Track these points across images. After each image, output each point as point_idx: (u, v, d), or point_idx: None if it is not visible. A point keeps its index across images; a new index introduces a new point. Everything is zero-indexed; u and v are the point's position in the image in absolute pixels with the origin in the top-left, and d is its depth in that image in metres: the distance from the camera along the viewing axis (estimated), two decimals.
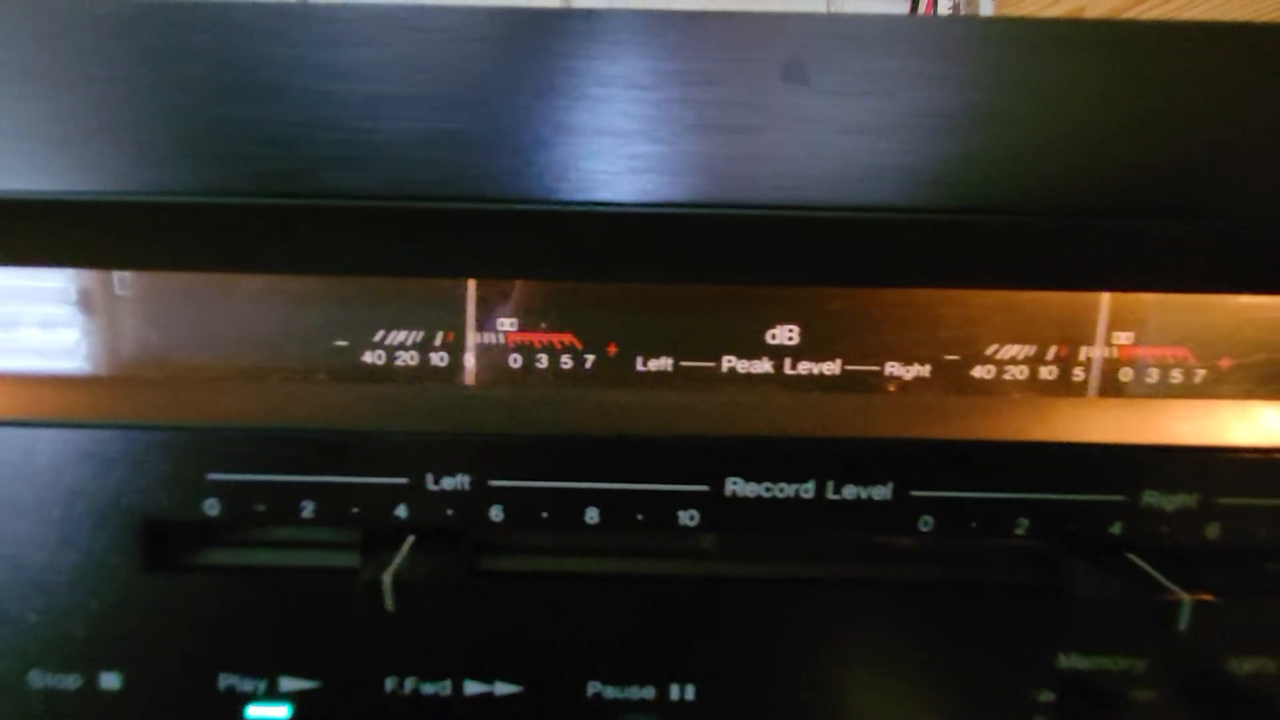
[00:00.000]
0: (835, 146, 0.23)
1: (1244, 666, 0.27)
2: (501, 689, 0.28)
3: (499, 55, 0.23)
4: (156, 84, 0.23)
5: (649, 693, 0.27)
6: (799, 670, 0.27)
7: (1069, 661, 0.27)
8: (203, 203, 0.23)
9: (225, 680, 0.27)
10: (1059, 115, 0.23)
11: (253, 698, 0.27)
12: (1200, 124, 0.23)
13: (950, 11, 1.19)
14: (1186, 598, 0.23)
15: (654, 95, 0.23)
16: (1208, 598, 0.23)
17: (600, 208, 0.23)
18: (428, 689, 0.27)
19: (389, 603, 0.24)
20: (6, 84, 0.22)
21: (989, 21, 0.24)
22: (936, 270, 0.27)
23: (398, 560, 0.24)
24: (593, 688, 0.27)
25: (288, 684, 0.27)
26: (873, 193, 0.23)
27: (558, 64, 0.23)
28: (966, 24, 0.24)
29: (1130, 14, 0.84)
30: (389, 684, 0.27)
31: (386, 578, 0.24)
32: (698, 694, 0.27)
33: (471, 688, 0.28)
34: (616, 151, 0.23)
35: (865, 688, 0.27)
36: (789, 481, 0.25)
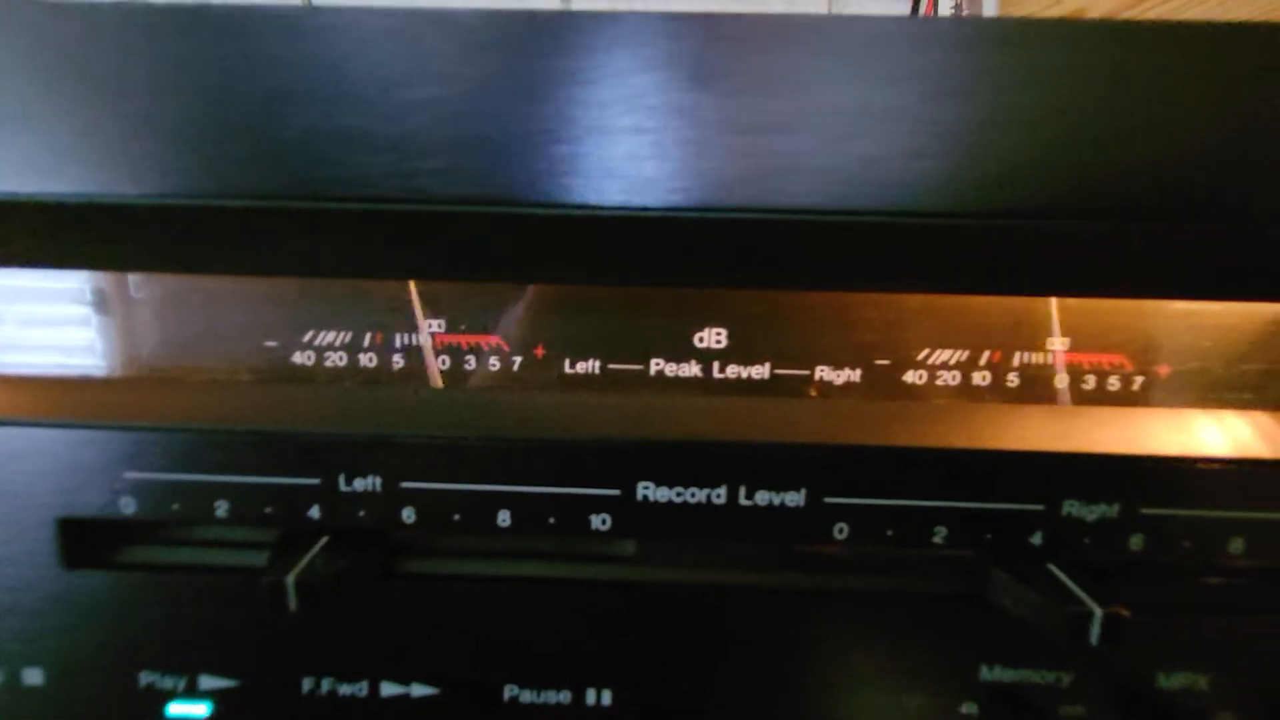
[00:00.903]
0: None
1: (1173, 682, 0.27)
2: (419, 691, 0.27)
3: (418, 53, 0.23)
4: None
5: (565, 697, 0.27)
6: (714, 677, 0.27)
7: (992, 674, 0.27)
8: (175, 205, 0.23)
9: (146, 678, 0.27)
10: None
11: (173, 695, 0.28)
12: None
13: (953, 11, 1.18)
14: (1097, 610, 0.23)
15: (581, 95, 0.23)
16: (1121, 611, 0.23)
17: (533, 210, 0.23)
18: (345, 690, 0.27)
19: (293, 604, 0.24)
20: None
21: (959, 23, 0.23)
22: (877, 274, 0.27)
23: (304, 561, 0.24)
24: (509, 691, 0.27)
25: (207, 682, 0.28)
26: (800, 195, 0.23)
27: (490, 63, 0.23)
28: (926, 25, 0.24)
29: (1131, 13, 0.82)
30: (306, 684, 0.27)
31: (290, 579, 0.24)
32: (614, 699, 0.27)
33: (389, 689, 0.27)
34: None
35: (782, 697, 0.27)
36: (700, 486, 0.25)
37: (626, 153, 0.23)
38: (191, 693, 0.28)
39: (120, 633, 0.27)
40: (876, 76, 0.22)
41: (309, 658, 0.27)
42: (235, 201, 0.23)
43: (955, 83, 0.22)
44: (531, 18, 0.23)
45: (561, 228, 0.23)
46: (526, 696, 0.27)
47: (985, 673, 0.27)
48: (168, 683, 0.28)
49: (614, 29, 0.22)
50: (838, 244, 0.24)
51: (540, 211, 0.23)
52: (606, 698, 0.27)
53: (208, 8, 0.23)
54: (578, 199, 0.23)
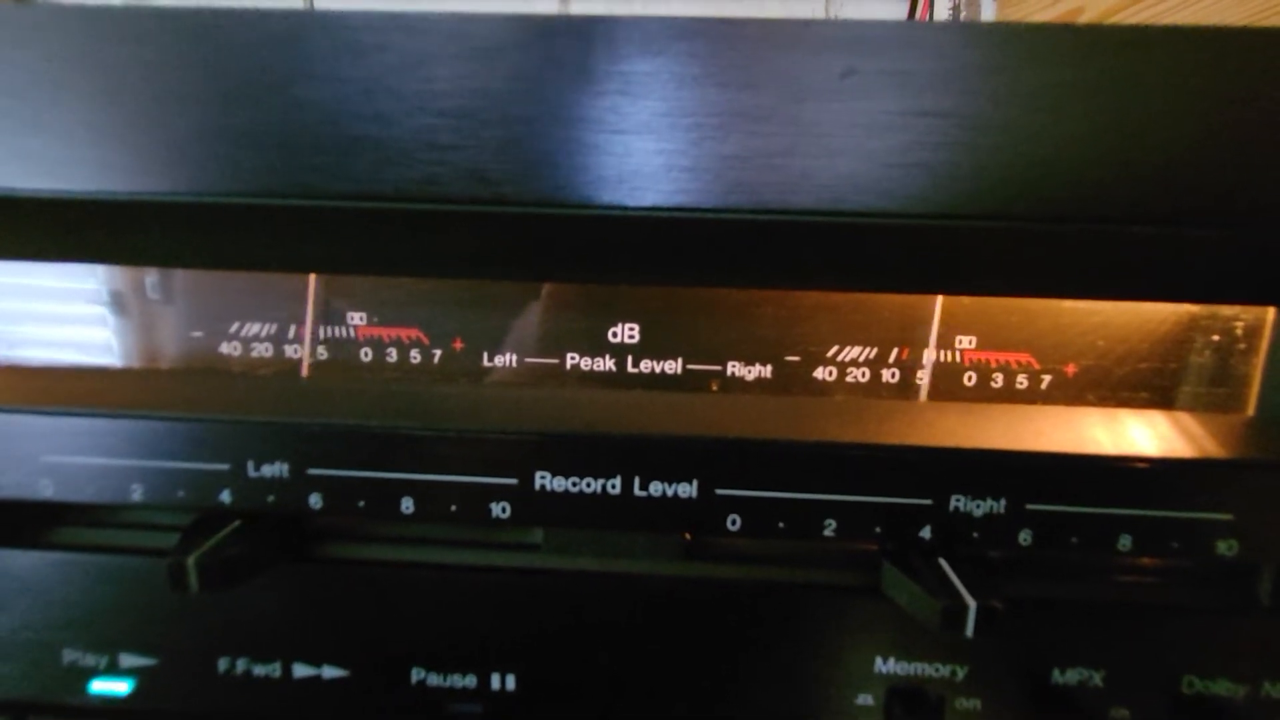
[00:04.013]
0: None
1: (1069, 676, 0.27)
2: (329, 673, 0.28)
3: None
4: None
5: (471, 681, 0.28)
6: (617, 665, 0.28)
7: (888, 666, 0.27)
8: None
9: (69, 655, 0.28)
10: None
11: (95, 673, 0.29)
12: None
13: (950, 13, 1.18)
14: (972, 602, 0.23)
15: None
16: (995, 604, 0.23)
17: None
18: (259, 670, 0.28)
19: (193, 585, 0.24)
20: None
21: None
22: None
23: (209, 544, 0.25)
24: (417, 675, 0.28)
25: (128, 660, 0.29)
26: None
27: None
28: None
29: (1126, 13, 0.82)
30: (222, 664, 0.28)
31: (190, 560, 0.24)
32: (518, 683, 0.28)
33: (301, 670, 0.28)
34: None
35: (682, 685, 0.28)
36: (596, 477, 0.26)
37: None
38: (113, 670, 0.29)
39: (43, 611, 0.28)
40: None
41: (225, 638, 0.28)
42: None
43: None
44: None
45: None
46: (434, 680, 0.28)
47: (880, 665, 0.27)
48: (90, 660, 0.29)
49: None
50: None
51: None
52: (511, 682, 0.28)
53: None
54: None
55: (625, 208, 0.23)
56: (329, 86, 0.23)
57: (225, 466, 0.26)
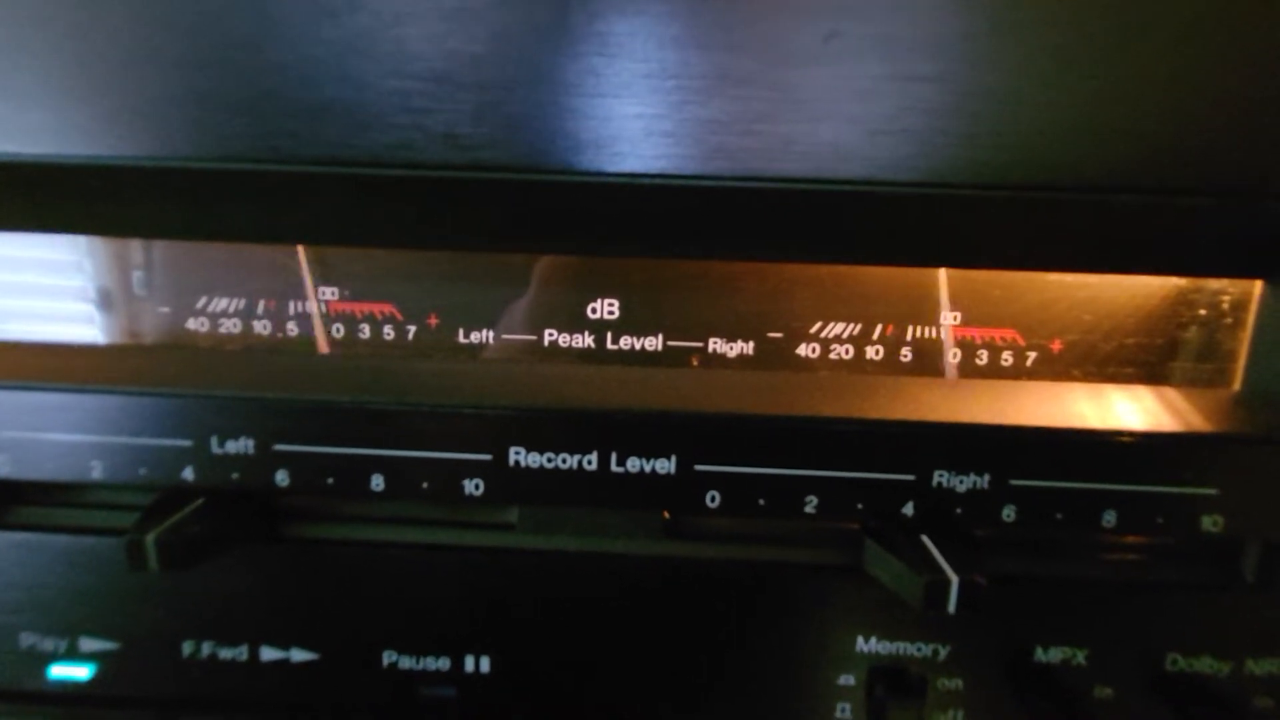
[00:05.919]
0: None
1: (1051, 655, 0.26)
2: (298, 656, 0.27)
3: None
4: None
5: (444, 663, 0.27)
6: (594, 646, 0.27)
7: (869, 646, 0.27)
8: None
9: (27, 639, 0.28)
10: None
11: (54, 657, 0.28)
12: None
13: None
14: (954, 578, 0.23)
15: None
16: (977, 579, 0.23)
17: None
18: (225, 653, 0.27)
19: (152, 563, 0.24)
20: None
21: None
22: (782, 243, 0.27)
23: (169, 521, 0.24)
24: (389, 657, 0.27)
25: (88, 644, 0.28)
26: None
27: None
28: None
29: None
30: (187, 648, 0.27)
31: (149, 538, 0.23)
32: (493, 665, 0.27)
33: (268, 654, 0.27)
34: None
35: (659, 666, 0.27)
36: (572, 452, 0.25)
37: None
38: (73, 655, 0.28)
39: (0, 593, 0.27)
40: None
41: (189, 621, 0.27)
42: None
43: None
44: None
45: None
46: (406, 662, 0.27)
47: (862, 645, 0.27)
48: (49, 645, 0.28)
49: None
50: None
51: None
52: (485, 664, 0.27)
53: None
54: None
55: (604, 173, 0.23)
56: (301, 48, 0.22)
57: (188, 442, 0.25)
